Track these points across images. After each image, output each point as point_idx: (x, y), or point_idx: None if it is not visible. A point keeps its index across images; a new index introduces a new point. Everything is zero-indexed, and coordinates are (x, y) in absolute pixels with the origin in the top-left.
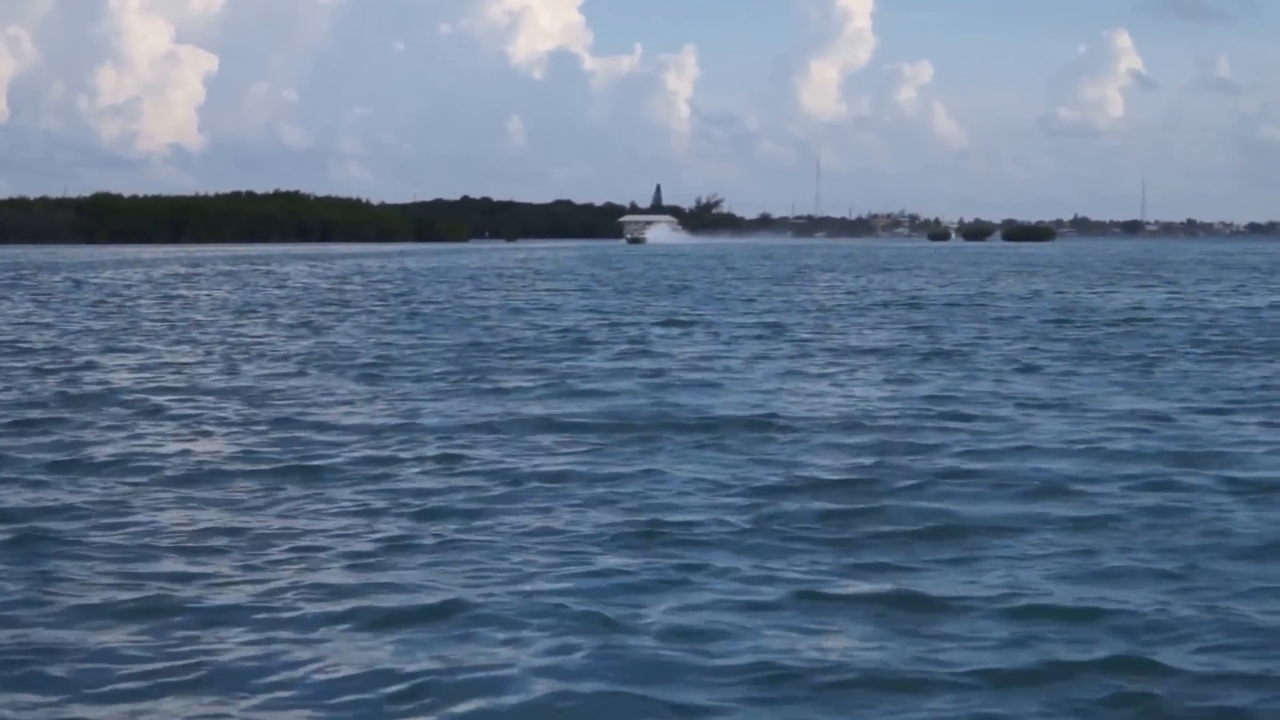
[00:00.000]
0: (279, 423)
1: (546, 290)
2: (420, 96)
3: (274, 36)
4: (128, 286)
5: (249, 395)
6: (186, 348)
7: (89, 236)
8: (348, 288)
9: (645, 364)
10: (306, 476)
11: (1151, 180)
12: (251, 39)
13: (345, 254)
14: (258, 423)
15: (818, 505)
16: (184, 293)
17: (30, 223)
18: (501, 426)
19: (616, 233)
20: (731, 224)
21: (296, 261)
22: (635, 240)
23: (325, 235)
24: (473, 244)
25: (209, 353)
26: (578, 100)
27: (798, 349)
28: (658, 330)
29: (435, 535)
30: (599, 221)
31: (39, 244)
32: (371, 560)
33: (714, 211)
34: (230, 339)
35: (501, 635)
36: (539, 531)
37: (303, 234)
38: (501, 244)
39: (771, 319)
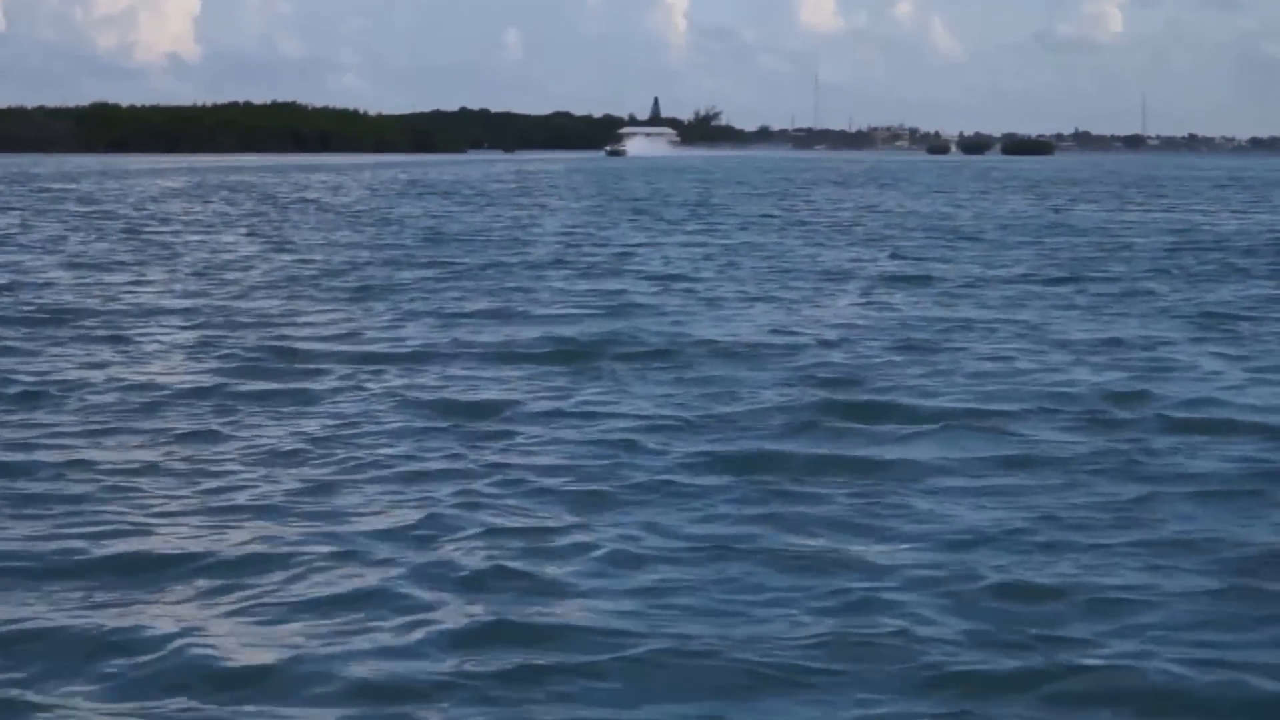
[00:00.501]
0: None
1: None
2: (417, 7)
3: None
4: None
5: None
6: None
7: (87, 146)
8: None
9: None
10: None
11: (1152, 94)
12: None
13: (340, 164)
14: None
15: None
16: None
17: (29, 133)
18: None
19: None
20: (730, 136)
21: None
22: (615, 153)
23: (324, 145)
24: (471, 155)
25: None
26: (575, 13)
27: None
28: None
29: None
30: (597, 134)
31: (37, 153)
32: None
33: (712, 124)
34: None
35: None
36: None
37: (300, 144)
38: (500, 155)
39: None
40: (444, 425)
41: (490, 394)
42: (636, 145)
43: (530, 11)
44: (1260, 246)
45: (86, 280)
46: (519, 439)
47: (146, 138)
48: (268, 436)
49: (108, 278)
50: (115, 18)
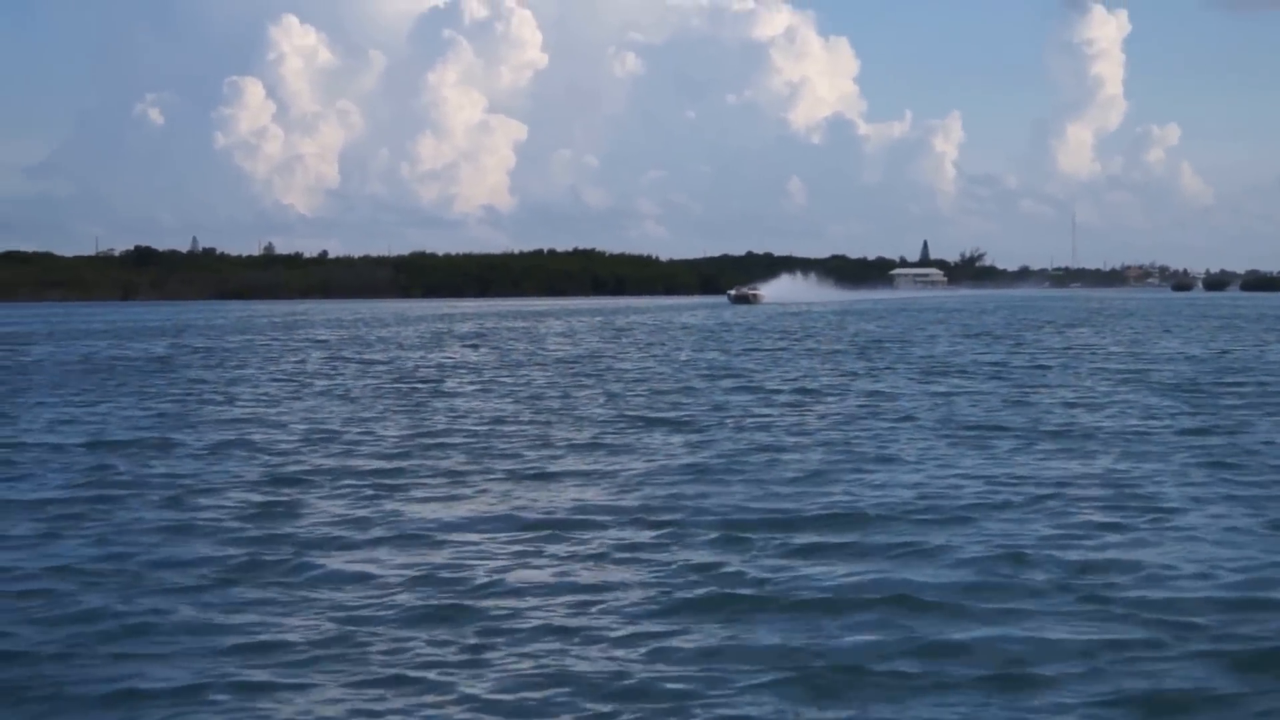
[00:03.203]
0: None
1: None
2: (709, 160)
3: (577, 107)
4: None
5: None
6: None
7: (405, 291)
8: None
9: None
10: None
11: None
12: (557, 110)
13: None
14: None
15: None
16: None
17: (353, 280)
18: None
19: (888, 283)
20: (993, 275)
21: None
22: (741, 299)
23: (619, 289)
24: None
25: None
26: (852, 162)
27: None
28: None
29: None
30: (870, 274)
31: (361, 299)
32: None
33: (977, 264)
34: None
35: None
36: None
37: (598, 288)
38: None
39: None
40: None
41: None
42: (776, 289)
43: (812, 162)
44: None
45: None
46: None
47: (459, 283)
48: None
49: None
50: (438, 173)
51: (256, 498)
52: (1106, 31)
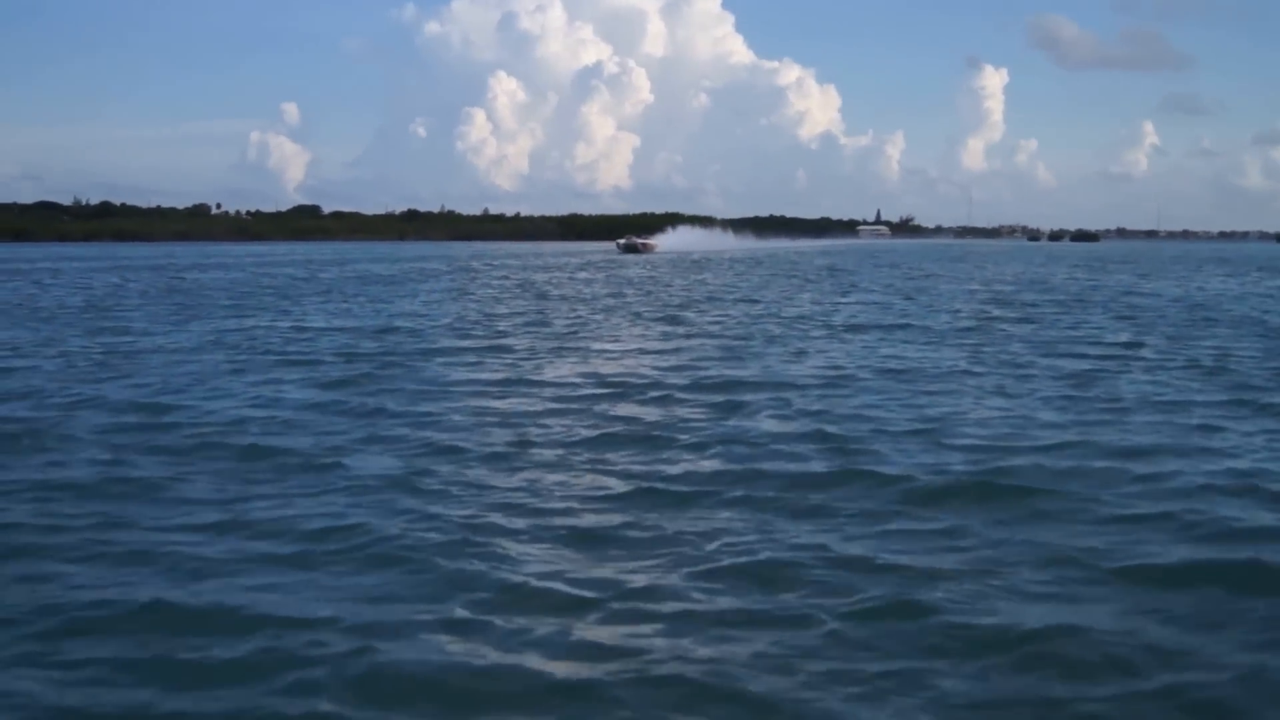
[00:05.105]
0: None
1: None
2: (748, 158)
3: (670, 126)
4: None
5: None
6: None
7: (561, 237)
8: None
9: None
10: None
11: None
12: (658, 128)
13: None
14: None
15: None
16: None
17: (534, 229)
18: None
19: (854, 235)
20: (920, 231)
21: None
22: (630, 248)
23: None
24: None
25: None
26: (836, 160)
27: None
28: None
29: None
30: (841, 228)
31: (526, 240)
32: None
33: (909, 224)
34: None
35: None
36: None
37: None
38: (786, 240)
39: None
40: None
41: None
42: (674, 239)
43: (811, 160)
44: None
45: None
46: None
47: (599, 232)
48: None
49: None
50: (587, 165)
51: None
52: (993, 80)
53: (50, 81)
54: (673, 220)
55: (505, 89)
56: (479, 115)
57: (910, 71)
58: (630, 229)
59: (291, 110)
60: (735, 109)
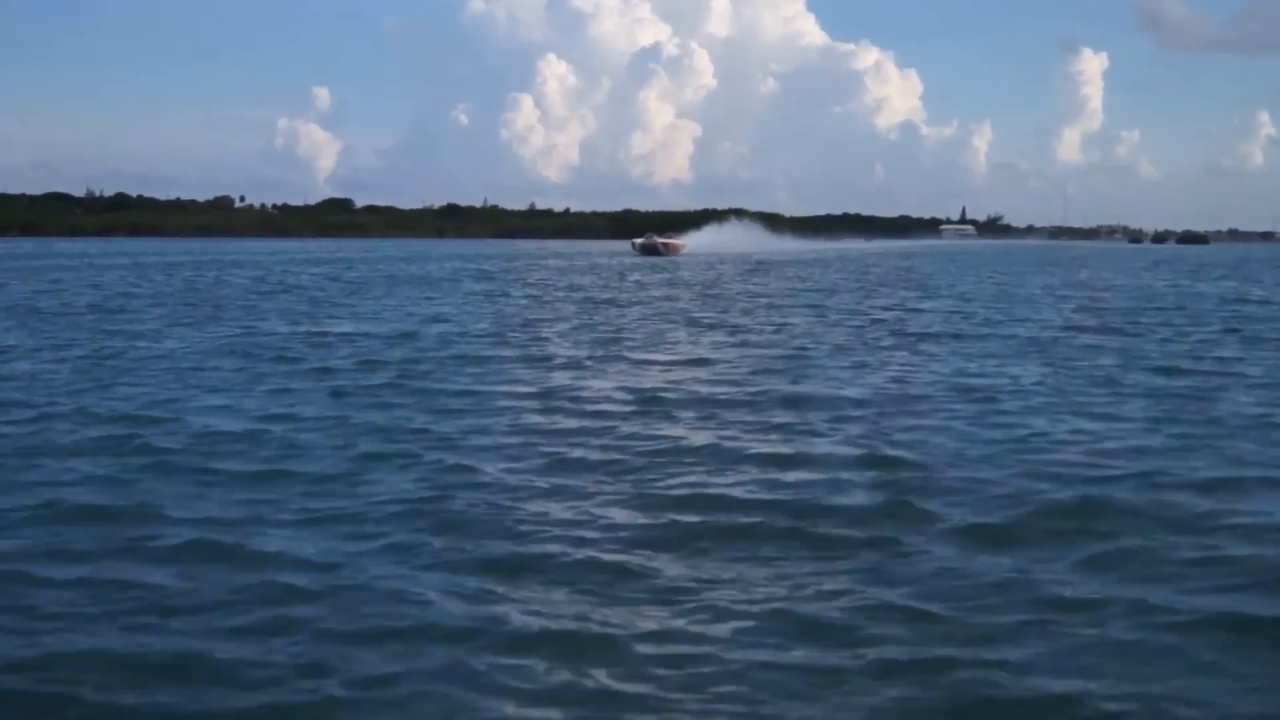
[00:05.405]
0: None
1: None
2: (820, 150)
3: (734, 114)
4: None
5: None
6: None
7: (613, 234)
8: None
9: None
10: None
11: None
12: (721, 115)
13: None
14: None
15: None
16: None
17: (583, 226)
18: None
19: (936, 235)
20: (1009, 230)
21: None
22: (650, 249)
23: None
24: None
25: None
26: (916, 153)
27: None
28: None
29: None
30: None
31: (576, 238)
32: None
33: (998, 224)
34: None
35: None
36: None
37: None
38: (861, 241)
39: None
40: None
41: None
42: (705, 237)
43: (889, 152)
44: None
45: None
46: None
47: (652, 230)
48: None
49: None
50: (643, 157)
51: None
52: (1091, 65)
53: (61, 62)
54: (736, 216)
55: (555, 72)
56: (526, 101)
57: (1000, 55)
58: (687, 227)
59: (322, 95)
60: (806, 95)
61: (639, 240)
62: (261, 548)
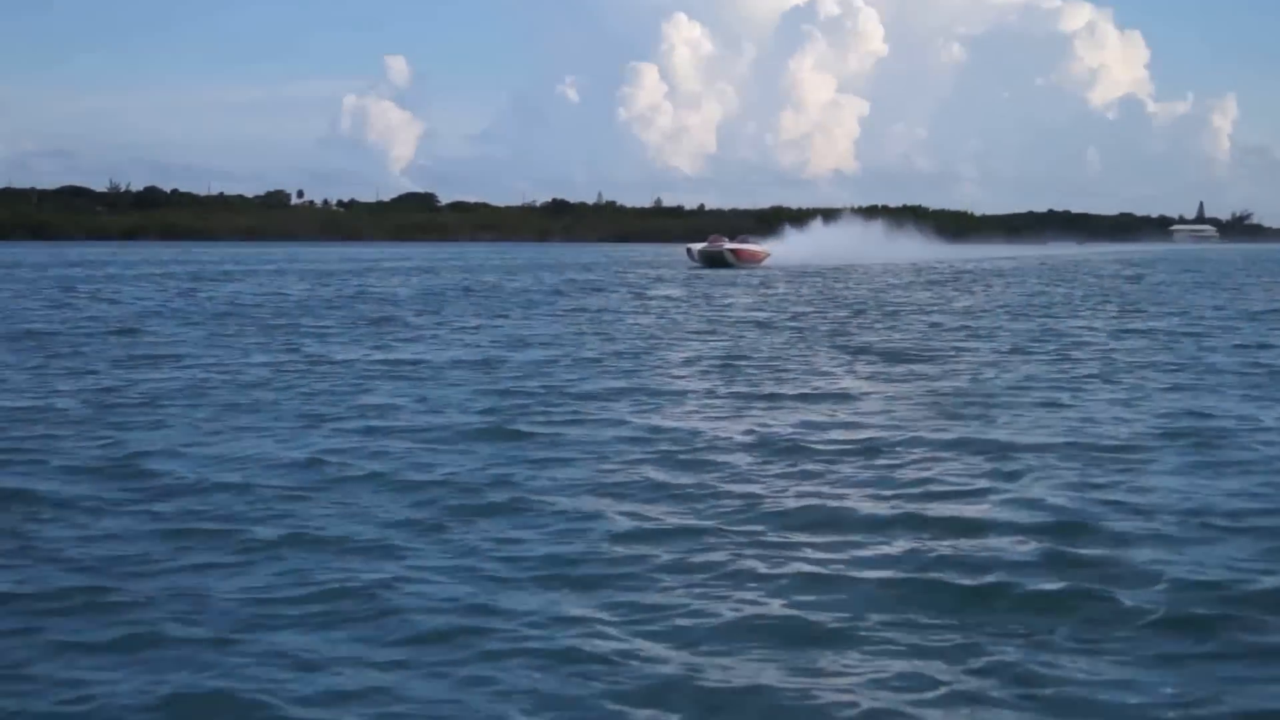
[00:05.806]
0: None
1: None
2: (1019, 133)
3: (910, 88)
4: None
5: None
6: None
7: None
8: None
9: None
10: None
11: None
12: (894, 90)
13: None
14: None
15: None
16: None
17: (724, 227)
18: None
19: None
20: (1261, 233)
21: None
22: (714, 259)
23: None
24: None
25: None
26: (1141, 135)
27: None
28: None
29: None
30: (1150, 228)
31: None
32: None
33: (1245, 223)
34: None
35: None
36: None
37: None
38: (1073, 245)
39: None
40: None
41: None
42: (800, 242)
43: (1107, 135)
44: None
45: None
46: None
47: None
48: None
49: None
50: (796, 141)
51: None
52: None
53: (73, 30)
54: (914, 215)
55: (685, 37)
56: (650, 73)
57: (1245, 13)
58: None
59: (399, 66)
60: (1001, 65)
61: (698, 246)
62: None
